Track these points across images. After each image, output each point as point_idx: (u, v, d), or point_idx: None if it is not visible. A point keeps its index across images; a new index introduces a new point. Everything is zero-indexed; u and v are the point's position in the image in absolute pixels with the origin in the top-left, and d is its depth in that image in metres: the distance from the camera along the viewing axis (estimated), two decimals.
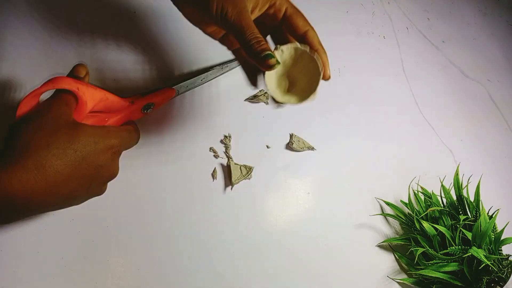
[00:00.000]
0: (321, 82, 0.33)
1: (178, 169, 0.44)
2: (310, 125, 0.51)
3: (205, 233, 0.42)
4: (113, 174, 0.33)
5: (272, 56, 0.30)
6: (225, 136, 0.47)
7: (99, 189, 0.33)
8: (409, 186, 0.52)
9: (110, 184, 0.34)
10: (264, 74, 0.33)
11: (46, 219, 0.38)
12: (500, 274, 0.42)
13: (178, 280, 0.40)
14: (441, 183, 0.49)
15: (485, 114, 0.64)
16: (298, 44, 0.33)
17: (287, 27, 0.35)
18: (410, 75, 0.61)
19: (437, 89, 0.62)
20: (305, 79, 0.35)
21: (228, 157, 0.46)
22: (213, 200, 0.44)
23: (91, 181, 0.31)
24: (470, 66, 0.67)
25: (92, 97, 0.32)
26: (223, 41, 0.39)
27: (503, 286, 0.43)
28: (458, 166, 0.49)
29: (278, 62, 0.31)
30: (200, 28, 0.37)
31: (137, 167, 0.42)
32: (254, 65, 0.33)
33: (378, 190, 0.51)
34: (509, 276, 0.43)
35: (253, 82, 0.38)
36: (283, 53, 0.34)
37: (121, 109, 0.37)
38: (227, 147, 0.46)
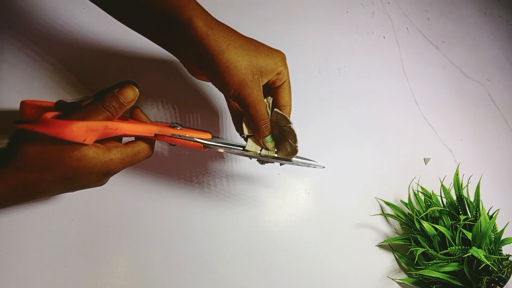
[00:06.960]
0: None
1: (177, 169, 0.44)
2: (309, 124, 0.51)
3: (205, 233, 0.42)
4: (95, 185, 0.33)
5: (272, 141, 0.37)
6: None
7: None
8: (409, 186, 0.52)
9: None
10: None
11: (46, 219, 0.38)
12: (500, 274, 0.42)
13: (178, 280, 0.40)
14: (441, 183, 0.49)
15: (485, 114, 0.64)
16: (279, 110, 0.37)
17: (274, 94, 0.38)
18: (410, 75, 0.61)
19: (437, 89, 0.62)
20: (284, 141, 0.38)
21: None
22: (213, 200, 0.44)
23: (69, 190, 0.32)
24: (470, 66, 0.67)
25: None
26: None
27: (503, 286, 0.43)
28: (458, 166, 0.49)
29: (273, 148, 0.37)
30: (193, 75, 0.38)
31: (136, 168, 0.42)
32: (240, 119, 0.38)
33: (378, 190, 0.51)
34: (509, 276, 0.43)
35: (239, 130, 0.39)
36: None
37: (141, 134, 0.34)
38: None
